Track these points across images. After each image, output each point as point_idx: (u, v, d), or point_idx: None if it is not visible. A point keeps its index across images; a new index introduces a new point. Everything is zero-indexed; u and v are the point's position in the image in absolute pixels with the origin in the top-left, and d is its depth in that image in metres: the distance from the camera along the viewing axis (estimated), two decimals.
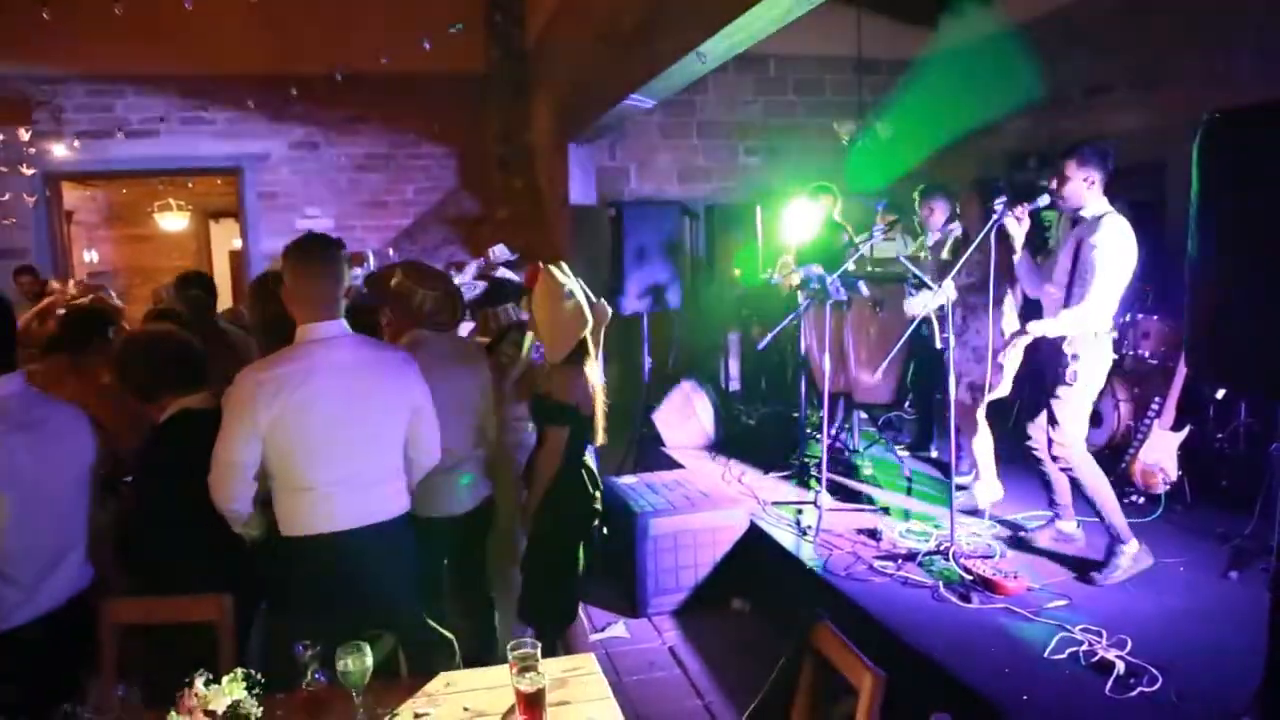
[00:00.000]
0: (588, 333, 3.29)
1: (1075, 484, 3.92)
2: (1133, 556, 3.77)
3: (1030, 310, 4.30)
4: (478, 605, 3.64)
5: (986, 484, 4.85)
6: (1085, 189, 3.78)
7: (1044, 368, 4.06)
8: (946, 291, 4.21)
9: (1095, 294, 3.72)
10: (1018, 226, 4.03)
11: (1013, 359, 4.23)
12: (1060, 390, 3.84)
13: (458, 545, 3.45)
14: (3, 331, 2.38)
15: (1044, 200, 3.94)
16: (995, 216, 4.01)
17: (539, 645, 2.10)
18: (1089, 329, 3.78)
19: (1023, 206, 3.97)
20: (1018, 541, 4.29)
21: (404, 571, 2.78)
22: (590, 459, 3.47)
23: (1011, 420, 5.55)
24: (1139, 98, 6.22)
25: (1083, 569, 3.89)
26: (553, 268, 3.31)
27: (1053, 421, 3.87)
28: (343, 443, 2.61)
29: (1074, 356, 3.78)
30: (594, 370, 3.34)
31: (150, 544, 2.81)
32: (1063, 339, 3.85)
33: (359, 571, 2.61)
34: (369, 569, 2.63)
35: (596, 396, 3.31)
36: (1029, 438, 4.06)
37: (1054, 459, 3.92)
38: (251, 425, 2.52)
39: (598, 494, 3.41)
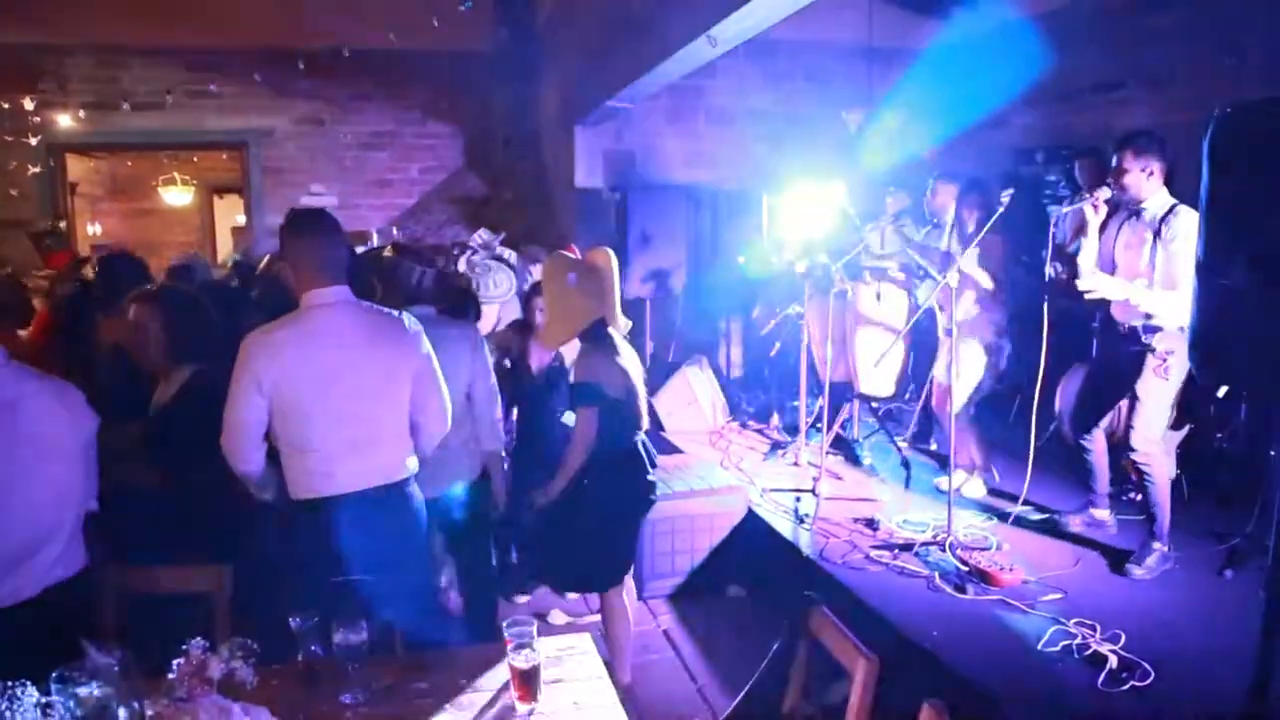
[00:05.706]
0: (614, 320, 3.36)
1: (1144, 479, 3.91)
2: (1163, 555, 3.86)
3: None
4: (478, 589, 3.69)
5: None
6: (1144, 179, 3.72)
7: (1106, 373, 4.08)
8: (951, 281, 4.21)
9: (1186, 284, 3.66)
10: (1095, 216, 3.87)
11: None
12: (1152, 386, 3.79)
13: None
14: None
15: (1105, 192, 3.80)
16: (1000, 209, 4.03)
17: (535, 623, 2.11)
18: (1177, 322, 3.64)
19: (1096, 195, 3.83)
20: (1015, 533, 4.30)
21: (406, 537, 2.80)
22: (641, 441, 3.48)
23: (1012, 414, 5.56)
24: (1148, 95, 6.18)
25: (1096, 563, 3.96)
26: (564, 253, 3.44)
27: (1136, 419, 3.85)
28: (342, 405, 2.64)
29: (1169, 353, 3.70)
30: (630, 356, 3.41)
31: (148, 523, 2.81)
32: (1138, 337, 3.80)
33: (360, 535, 2.63)
34: (370, 533, 2.64)
35: (637, 381, 3.37)
36: (1132, 449, 3.89)
37: (1131, 453, 3.90)
38: (254, 385, 2.57)
39: (650, 475, 3.47)
